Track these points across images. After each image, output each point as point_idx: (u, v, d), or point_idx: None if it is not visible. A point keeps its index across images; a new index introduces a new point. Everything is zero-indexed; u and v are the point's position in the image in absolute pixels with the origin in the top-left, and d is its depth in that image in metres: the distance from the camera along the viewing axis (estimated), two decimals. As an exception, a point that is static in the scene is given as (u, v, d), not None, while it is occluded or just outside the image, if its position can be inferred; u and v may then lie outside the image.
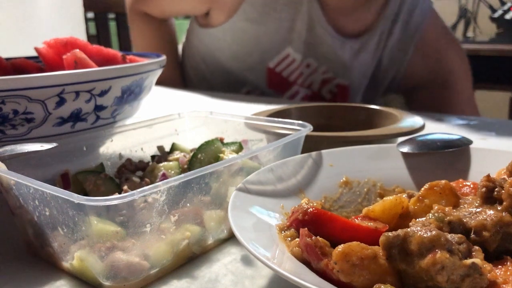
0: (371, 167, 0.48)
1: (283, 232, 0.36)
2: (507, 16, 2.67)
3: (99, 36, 2.00)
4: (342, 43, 1.22)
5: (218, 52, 1.30)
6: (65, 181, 0.46)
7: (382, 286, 0.29)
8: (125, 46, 2.03)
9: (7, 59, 0.65)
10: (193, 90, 1.34)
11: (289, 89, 1.28)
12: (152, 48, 1.39)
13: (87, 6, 1.74)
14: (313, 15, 1.18)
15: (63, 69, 0.61)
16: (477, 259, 0.29)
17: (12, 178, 0.36)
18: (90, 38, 1.96)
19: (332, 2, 1.18)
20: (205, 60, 1.35)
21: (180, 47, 1.50)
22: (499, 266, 0.31)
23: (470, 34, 3.06)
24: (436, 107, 1.27)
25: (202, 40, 1.32)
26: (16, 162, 0.42)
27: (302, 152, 0.48)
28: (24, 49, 0.86)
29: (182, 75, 1.47)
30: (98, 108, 0.52)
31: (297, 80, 1.27)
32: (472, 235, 0.33)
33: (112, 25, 2.06)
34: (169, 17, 1.43)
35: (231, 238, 0.44)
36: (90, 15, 2.05)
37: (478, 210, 0.34)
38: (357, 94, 1.31)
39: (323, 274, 0.31)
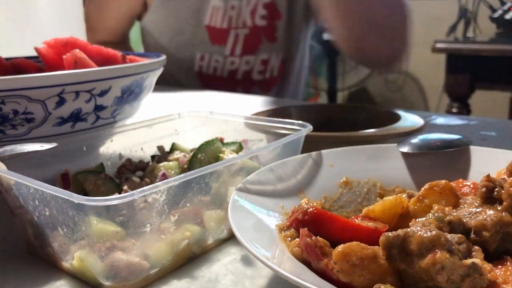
0: (371, 167, 0.48)
1: (283, 232, 0.36)
2: (507, 16, 2.67)
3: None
4: None
5: (162, 36, 1.36)
6: (65, 181, 0.46)
7: (382, 286, 0.29)
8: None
9: (7, 59, 0.65)
10: (193, 90, 1.34)
11: (228, 37, 1.33)
12: None
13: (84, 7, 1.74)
14: None
15: (63, 69, 0.61)
16: (477, 259, 0.29)
17: (12, 178, 0.36)
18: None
19: None
20: (160, 51, 1.39)
21: None
22: (499, 266, 0.31)
23: (470, 34, 3.06)
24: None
25: (149, 34, 1.38)
26: (16, 162, 0.42)
27: (302, 152, 0.48)
28: (24, 49, 0.86)
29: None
30: (98, 108, 0.52)
31: (230, 25, 1.32)
32: (472, 235, 0.33)
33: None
34: (121, 36, 1.47)
35: (231, 238, 0.44)
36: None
37: (478, 210, 0.34)
38: (284, 7, 1.32)
39: (323, 274, 0.31)
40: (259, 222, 0.37)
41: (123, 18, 1.41)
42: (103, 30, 1.41)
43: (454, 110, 2.48)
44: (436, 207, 0.35)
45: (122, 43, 1.47)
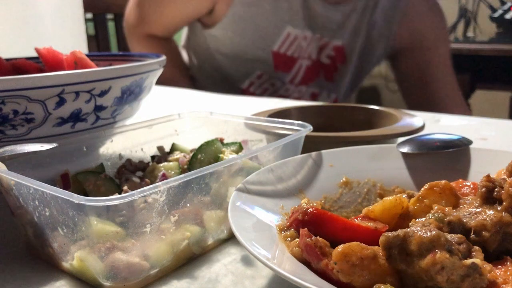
0: (371, 167, 0.48)
1: (283, 232, 0.36)
2: (507, 16, 2.67)
3: (97, 36, 2.00)
4: (335, 9, 1.28)
5: (224, 47, 1.33)
6: (65, 182, 0.46)
7: (382, 286, 0.29)
8: (124, 46, 2.02)
9: (7, 59, 0.65)
10: (193, 90, 1.34)
11: (294, 66, 1.32)
12: None
13: (85, 7, 1.74)
14: None
15: (63, 69, 0.61)
16: (477, 259, 0.29)
17: (12, 178, 0.36)
18: (88, 38, 1.96)
19: None
20: (212, 55, 1.37)
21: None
22: (499, 266, 0.31)
23: (470, 34, 3.06)
24: (416, 71, 1.35)
25: (206, 40, 1.34)
26: (16, 162, 0.42)
27: (302, 152, 0.48)
28: (24, 49, 0.86)
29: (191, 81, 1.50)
30: (98, 108, 0.52)
31: (299, 55, 1.32)
32: (472, 235, 0.33)
33: (111, 26, 2.06)
34: (174, 33, 1.43)
35: (231, 238, 0.44)
36: (89, 15, 2.05)
37: (478, 210, 0.34)
38: (353, 54, 1.35)
39: (323, 274, 0.31)
40: (259, 222, 0.37)
41: (183, 19, 1.37)
42: (157, 25, 1.35)
43: (454, 110, 2.48)
44: (436, 207, 0.35)
45: (169, 38, 1.44)
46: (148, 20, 1.35)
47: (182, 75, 1.47)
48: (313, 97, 1.39)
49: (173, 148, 0.55)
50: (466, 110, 1.41)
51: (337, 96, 1.42)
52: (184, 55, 1.52)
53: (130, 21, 1.39)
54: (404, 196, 0.38)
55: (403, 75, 1.44)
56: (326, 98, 1.40)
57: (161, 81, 1.37)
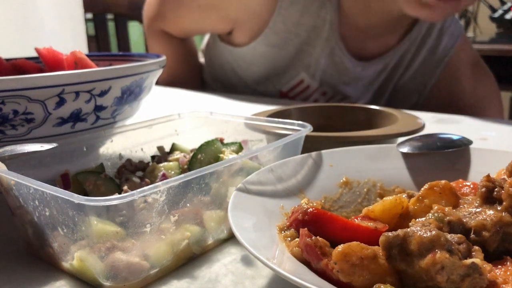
0: (371, 167, 0.48)
1: (283, 232, 0.36)
2: (507, 16, 2.67)
3: (97, 37, 2.00)
4: (363, 67, 1.18)
5: (237, 69, 1.28)
6: (65, 181, 0.46)
7: (382, 286, 0.29)
8: (124, 46, 2.03)
9: (7, 59, 0.65)
10: (193, 90, 1.34)
11: None
12: (172, 67, 1.35)
13: (85, 7, 1.74)
14: (332, 42, 1.14)
15: (63, 69, 0.61)
16: (477, 259, 0.29)
17: (12, 178, 0.36)
18: (88, 39, 1.97)
19: (354, 30, 1.14)
20: (225, 72, 1.33)
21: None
22: (499, 266, 0.31)
23: (470, 34, 3.06)
24: (445, 100, 1.24)
25: (223, 54, 1.29)
26: (16, 162, 0.42)
27: (302, 152, 0.48)
28: (24, 49, 0.86)
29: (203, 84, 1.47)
30: (98, 108, 0.52)
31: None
32: (472, 235, 0.33)
33: (111, 26, 2.06)
34: (188, 36, 1.40)
35: (231, 238, 0.44)
36: (89, 15, 2.05)
37: (478, 210, 0.34)
38: None
39: (323, 274, 0.31)
40: (259, 222, 0.37)
41: (198, 30, 1.33)
42: (174, 25, 1.31)
43: (454, 110, 2.48)
44: (436, 207, 0.35)
45: (185, 39, 1.39)
46: (166, 18, 1.30)
47: (193, 77, 1.44)
48: None
49: (173, 148, 0.55)
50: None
51: None
52: (201, 58, 1.49)
53: (149, 14, 1.35)
54: (404, 196, 0.38)
55: (431, 100, 1.31)
56: None
57: (171, 80, 1.36)
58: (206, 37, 1.42)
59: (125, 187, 0.44)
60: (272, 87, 1.24)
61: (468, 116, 0.97)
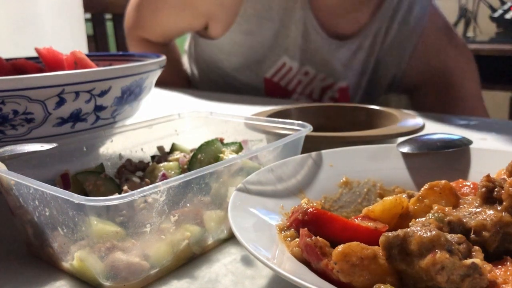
0: (371, 167, 0.48)
1: (283, 232, 0.36)
2: (507, 16, 2.67)
3: (96, 36, 2.00)
4: (338, 46, 1.21)
5: (219, 62, 1.30)
6: (65, 182, 0.46)
7: (382, 286, 0.29)
8: (122, 46, 2.02)
9: (7, 59, 0.65)
10: (193, 90, 1.34)
11: (289, 98, 1.28)
12: None
13: (84, 7, 1.74)
14: (306, 21, 1.17)
15: (63, 69, 0.61)
16: (477, 259, 0.29)
17: (12, 178, 0.36)
18: (87, 38, 1.97)
19: (324, 7, 1.17)
20: (209, 67, 1.35)
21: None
22: (499, 266, 0.31)
23: (470, 34, 3.07)
24: (441, 109, 1.25)
25: (204, 50, 1.32)
26: (16, 162, 0.42)
27: (302, 152, 0.48)
28: (24, 49, 0.86)
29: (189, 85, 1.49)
30: (98, 108, 0.52)
31: (296, 89, 1.27)
32: (472, 235, 0.33)
33: (109, 26, 2.06)
34: (169, 40, 1.42)
35: (231, 238, 0.44)
36: (87, 15, 2.05)
37: (478, 210, 0.34)
38: (357, 94, 1.31)
39: (323, 274, 0.31)
40: (259, 222, 0.37)
41: (176, 30, 1.36)
42: (153, 31, 1.35)
43: (454, 110, 2.48)
44: (436, 207, 0.35)
45: (166, 44, 1.42)
46: (144, 25, 1.35)
47: (179, 81, 1.46)
48: None
49: (173, 148, 0.55)
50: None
51: None
52: (185, 61, 1.51)
53: (128, 24, 1.40)
54: (404, 196, 0.38)
55: (424, 104, 1.34)
56: None
57: (156, 86, 1.38)
58: (188, 39, 1.44)
59: (125, 187, 0.44)
60: (255, 75, 1.27)
61: (468, 116, 0.97)
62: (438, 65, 1.29)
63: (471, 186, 0.40)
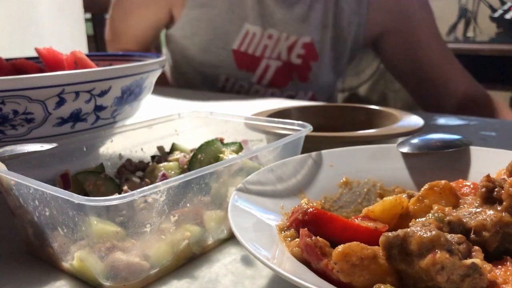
0: (371, 167, 0.48)
1: (283, 232, 0.36)
2: (507, 16, 2.67)
3: (96, 36, 2.00)
4: (292, 2, 1.25)
5: (187, 50, 1.34)
6: (65, 182, 0.46)
7: (382, 286, 0.29)
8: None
9: (7, 59, 0.65)
10: (193, 90, 1.34)
11: (259, 65, 1.30)
12: None
13: (84, 7, 1.74)
14: None
15: (63, 69, 0.61)
16: (477, 259, 0.29)
17: (12, 178, 0.36)
18: (87, 38, 1.96)
19: None
20: (182, 61, 1.39)
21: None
22: (499, 266, 0.31)
23: (470, 34, 3.06)
24: (404, 54, 1.30)
25: (175, 42, 1.36)
26: (16, 162, 0.42)
27: (302, 152, 0.48)
28: (24, 49, 0.86)
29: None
30: (98, 108, 0.52)
31: (264, 54, 1.29)
32: (472, 235, 0.33)
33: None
34: (145, 46, 1.45)
35: (231, 238, 0.44)
36: (87, 15, 2.05)
37: (478, 210, 0.34)
38: (324, 49, 1.32)
39: (323, 274, 0.31)
40: (259, 222, 0.37)
41: (148, 29, 1.40)
42: (127, 38, 1.40)
43: (454, 110, 2.48)
44: (436, 207, 0.35)
45: (145, 51, 1.46)
46: (119, 35, 1.41)
47: (161, 84, 1.51)
48: (290, 98, 1.34)
49: (173, 148, 0.55)
50: (471, 80, 1.33)
51: (314, 93, 1.37)
52: (166, 70, 1.55)
53: (107, 39, 1.46)
54: (404, 196, 0.38)
55: (392, 61, 1.38)
56: (303, 97, 1.36)
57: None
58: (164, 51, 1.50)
59: (125, 187, 0.44)
60: (223, 49, 1.30)
61: (468, 116, 0.97)
62: (398, 9, 1.31)
63: (471, 186, 0.39)
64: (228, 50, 1.29)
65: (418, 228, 0.30)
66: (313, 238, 0.32)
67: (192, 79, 1.39)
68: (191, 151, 0.54)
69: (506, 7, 2.73)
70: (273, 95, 1.33)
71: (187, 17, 1.28)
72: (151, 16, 1.35)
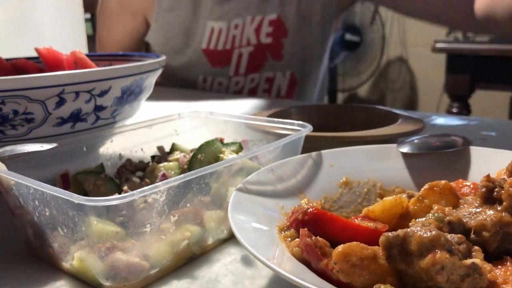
0: (371, 167, 0.48)
1: (283, 232, 0.36)
2: (507, 16, 2.67)
3: (95, 36, 2.00)
4: None
5: (165, 54, 1.34)
6: (65, 182, 0.46)
7: (382, 286, 0.29)
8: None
9: (7, 59, 0.65)
10: (193, 90, 1.34)
11: (231, 57, 1.30)
12: None
13: (84, 7, 1.74)
14: None
15: (63, 69, 0.61)
16: (477, 259, 0.29)
17: (12, 178, 0.36)
18: (87, 38, 1.96)
19: None
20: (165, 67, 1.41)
21: None
22: (499, 266, 0.31)
23: (470, 34, 3.06)
24: None
25: (152, 50, 1.39)
26: (16, 162, 0.42)
27: (302, 152, 0.48)
28: (24, 49, 0.86)
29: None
30: (98, 108, 0.52)
31: (234, 45, 1.29)
32: (472, 235, 0.33)
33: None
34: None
35: (231, 238, 0.44)
36: (87, 15, 2.05)
37: (478, 210, 0.34)
38: (291, 23, 1.28)
39: (323, 274, 0.31)
40: (259, 222, 0.37)
41: (128, 38, 1.42)
42: (112, 47, 1.43)
43: (454, 110, 2.48)
44: (436, 207, 0.35)
45: None
46: (104, 42, 1.44)
47: None
48: (269, 82, 1.33)
49: (173, 148, 0.55)
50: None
51: (300, 75, 1.34)
52: None
53: (96, 46, 1.49)
54: (404, 196, 0.38)
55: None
56: (281, 78, 1.33)
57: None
58: None
59: (125, 187, 0.44)
60: (194, 51, 1.31)
61: (468, 116, 0.97)
62: None
63: (471, 186, 0.39)
64: (198, 51, 1.30)
65: (418, 228, 0.30)
66: (313, 238, 0.32)
67: (173, 86, 1.39)
68: (191, 151, 0.54)
69: (506, 7, 2.72)
70: (252, 81, 1.32)
71: (159, 23, 1.31)
72: (129, 25, 1.38)
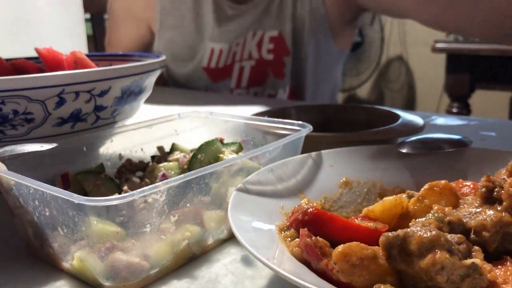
0: (371, 167, 0.48)
1: (283, 232, 0.36)
2: (507, 16, 2.66)
3: (95, 36, 2.00)
4: (242, 11, 1.26)
5: (169, 64, 1.37)
6: (65, 182, 0.46)
7: (382, 286, 0.29)
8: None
9: (7, 59, 0.65)
10: (192, 90, 1.34)
11: (232, 70, 1.30)
12: None
13: (84, 7, 1.74)
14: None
15: (63, 69, 0.61)
16: (477, 259, 0.29)
17: (12, 178, 0.36)
18: (87, 38, 1.96)
19: None
20: (165, 73, 1.44)
21: None
22: (499, 266, 0.31)
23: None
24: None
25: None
26: (16, 162, 0.42)
27: (302, 152, 0.48)
28: (24, 49, 0.86)
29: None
30: (98, 108, 0.52)
31: (234, 59, 1.29)
32: (472, 235, 0.33)
33: (109, 26, 2.06)
34: None
35: (231, 238, 0.44)
36: (87, 15, 2.05)
37: (478, 210, 0.34)
38: (292, 44, 1.28)
39: (323, 274, 0.31)
40: (259, 222, 0.37)
41: (134, 43, 1.43)
42: (120, 49, 1.45)
43: (454, 110, 2.48)
44: (436, 207, 0.35)
45: None
46: (113, 44, 1.46)
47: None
48: (271, 97, 1.32)
49: (173, 148, 0.55)
50: None
51: (294, 87, 1.32)
52: None
53: (105, 44, 1.51)
54: (404, 196, 0.38)
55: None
56: (283, 95, 1.32)
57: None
58: None
59: (125, 187, 0.44)
60: (195, 68, 1.32)
61: (468, 116, 0.97)
62: None
63: (471, 186, 0.40)
64: (200, 69, 1.31)
65: (418, 228, 0.30)
66: (313, 238, 0.32)
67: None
68: (191, 151, 0.54)
69: (506, 7, 2.72)
70: (256, 94, 1.32)
71: (163, 39, 1.33)
72: (134, 31, 1.40)
